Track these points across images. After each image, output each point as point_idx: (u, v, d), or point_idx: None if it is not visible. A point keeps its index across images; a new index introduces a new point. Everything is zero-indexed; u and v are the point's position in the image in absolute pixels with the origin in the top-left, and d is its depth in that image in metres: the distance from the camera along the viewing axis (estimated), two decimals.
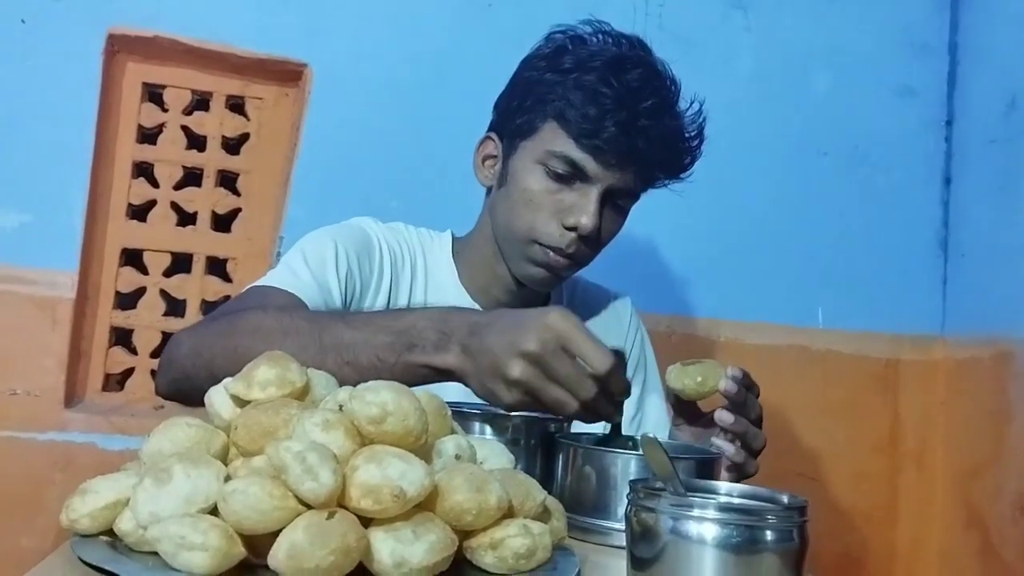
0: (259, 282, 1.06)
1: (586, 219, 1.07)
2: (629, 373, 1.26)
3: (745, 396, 0.97)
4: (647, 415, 1.25)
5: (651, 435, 0.85)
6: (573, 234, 1.08)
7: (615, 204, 1.11)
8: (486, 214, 1.19)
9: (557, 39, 1.12)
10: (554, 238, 1.09)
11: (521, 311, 0.83)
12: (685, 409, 1.06)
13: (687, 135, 1.12)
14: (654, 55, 1.13)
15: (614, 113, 1.05)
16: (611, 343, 1.23)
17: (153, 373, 1.55)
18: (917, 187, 1.84)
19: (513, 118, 1.13)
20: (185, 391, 0.95)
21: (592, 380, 0.79)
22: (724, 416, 0.96)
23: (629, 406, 1.21)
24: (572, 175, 1.08)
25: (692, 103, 1.13)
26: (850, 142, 1.81)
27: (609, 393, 0.81)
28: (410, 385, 0.75)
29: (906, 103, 1.84)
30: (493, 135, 1.18)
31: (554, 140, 1.08)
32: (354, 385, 0.74)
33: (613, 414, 0.85)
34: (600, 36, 1.12)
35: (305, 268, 1.06)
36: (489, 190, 1.19)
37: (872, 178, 1.82)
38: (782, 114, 1.78)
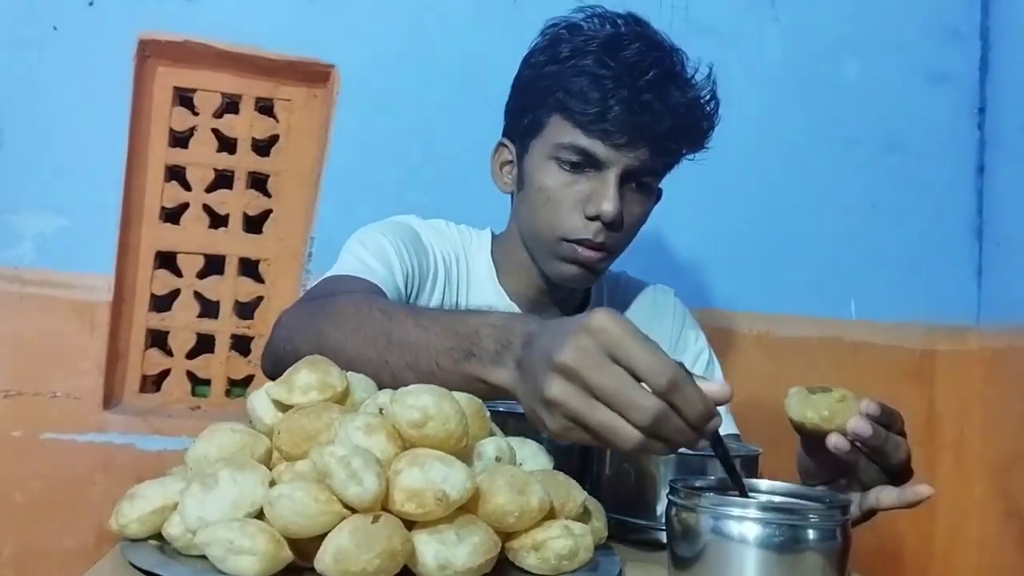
0: (334, 271, 1.05)
1: (607, 205, 1.05)
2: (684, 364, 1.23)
3: (885, 439, 0.82)
4: None
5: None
6: (597, 223, 1.06)
7: (638, 185, 1.09)
8: (513, 220, 1.19)
9: (552, 31, 1.11)
10: (579, 231, 1.07)
11: (573, 317, 0.67)
12: (807, 441, 0.90)
13: (700, 102, 1.09)
14: (652, 28, 1.09)
15: (615, 92, 1.03)
16: (665, 334, 1.22)
17: (188, 374, 1.57)
18: (950, 175, 1.82)
19: (520, 119, 1.13)
20: (281, 372, 0.95)
21: (652, 398, 0.61)
22: (840, 444, 0.82)
23: None
24: (585, 164, 1.07)
25: (699, 68, 1.10)
26: (882, 130, 1.79)
27: (682, 414, 0.62)
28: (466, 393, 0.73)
29: (938, 90, 1.82)
30: (506, 140, 1.18)
31: (561, 132, 1.07)
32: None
33: (693, 442, 0.65)
34: (595, 19, 1.10)
35: (373, 260, 1.06)
36: (513, 196, 1.19)
37: (904, 166, 1.79)
38: (812, 103, 1.76)
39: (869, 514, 0.87)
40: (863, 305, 1.76)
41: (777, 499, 0.72)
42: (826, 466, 0.88)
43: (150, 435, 1.47)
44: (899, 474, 0.86)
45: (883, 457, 0.83)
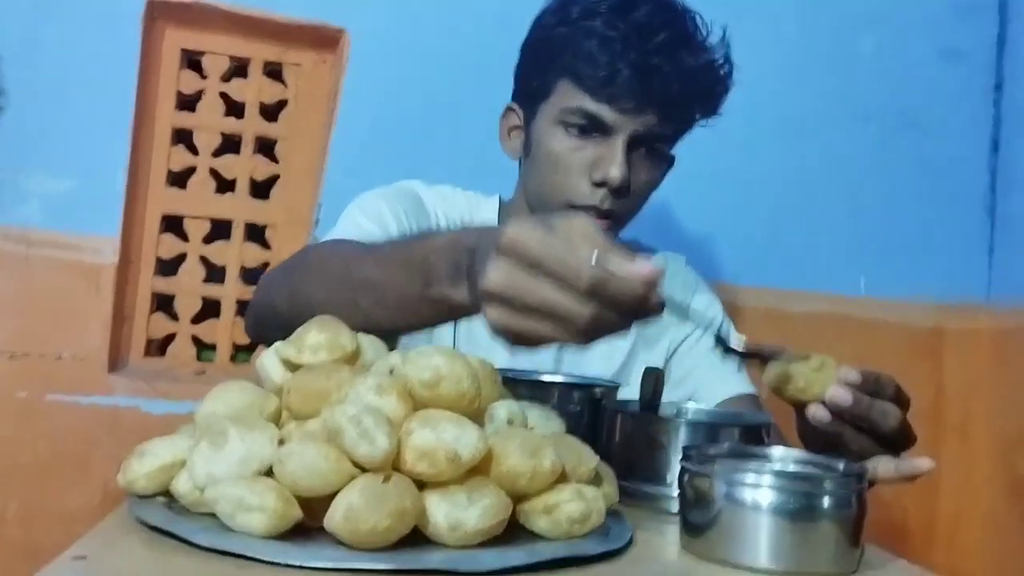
0: (328, 236, 1.05)
1: (614, 170, 1.03)
2: (695, 332, 1.22)
3: (869, 406, 0.78)
4: (709, 387, 1.16)
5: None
6: (604, 189, 1.05)
7: (647, 151, 1.07)
8: (521, 186, 1.18)
9: None
10: (586, 197, 1.05)
11: (495, 229, 0.65)
12: (797, 411, 0.86)
13: (712, 66, 1.07)
14: None
15: (624, 55, 1.01)
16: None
17: (193, 339, 1.57)
18: (964, 153, 1.79)
19: (529, 82, 1.12)
20: (264, 335, 0.94)
21: (581, 300, 0.59)
22: (818, 414, 0.79)
23: (684, 381, 1.17)
24: (592, 128, 1.05)
25: (711, 31, 1.07)
26: (896, 107, 1.76)
27: (618, 309, 0.60)
28: (447, 321, 0.75)
29: (954, 66, 1.79)
30: (514, 104, 1.17)
31: (568, 96, 1.05)
32: (390, 326, 0.76)
33: (642, 321, 0.63)
34: None
35: (370, 223, 1.05)
36: (520, 162, 1.18)
37: (918, 144, 1.77)
38: (827, 79, 1.74)
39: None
40: (873, 282, 1.74)
41: (792, 467, 0.71)
42: (812, 437, 0.84)
43: (155, 398, 1.47)
44: (895, 443, 0.82)
45: (871, 425, 0.79)
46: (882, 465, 0.81)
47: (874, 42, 1.77)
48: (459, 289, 0.69)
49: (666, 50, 1.02)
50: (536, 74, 1.10)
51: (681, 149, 1.15)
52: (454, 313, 0.72)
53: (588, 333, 0.60)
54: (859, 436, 0.81)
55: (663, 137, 1.08)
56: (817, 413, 0.78)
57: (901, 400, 0.82)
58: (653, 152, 1.08)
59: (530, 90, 1.11)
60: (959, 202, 1.79)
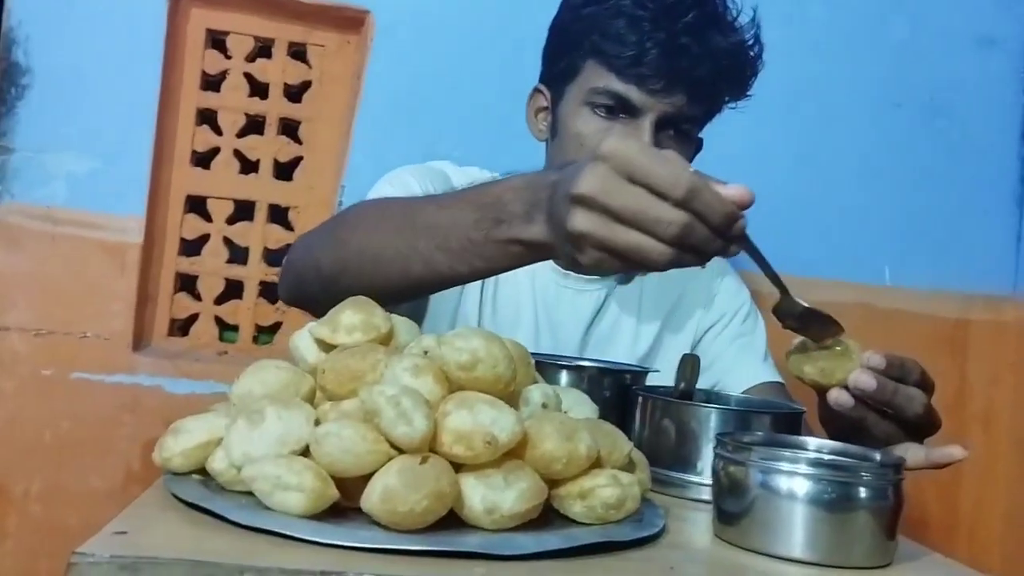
0: None
1: None
2: (720, 321, 1.22)
3: (893, 391, 0.77)
4: (734, 374, 1.16)
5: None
6: None
7: (676, 132, 1.06)
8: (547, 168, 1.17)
9: None
10: None
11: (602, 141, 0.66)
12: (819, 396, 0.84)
13: (742, 46, 1.05)
14: None
15: (652, 35, 1.00)
16: (691, 295, 1.21)
17: (217, 319, 1.57)
18: (994, 141, 1.77)
19: (556, 63, 1.11)
20: (302, 296, 0.95)
21: (674, 211, 0.61)
22: (841, 399, 0.78)
23: (710, 368, 1.16)
24: (619, 109, 1.04)
25: (741, 11, 1.06)
26: (926, 93, 1.74)
27: (706, 221, 0.62)
28: (507, 267, 0.75)
29: (985, 53, 1.77)
30: (541, 86, 1.16)
31: (595, 76, 1.05)
32: (449, 272, 0.75)
33: (723, 248, 0.65)
34: None
35: (392, 192, 1.05)
36: (547, 144, 1.17)
37: (947, 131, 1.75)
38: (856, 64, 1.71)
39: None
40: (898, 272, 1.73)
41: (827, 456, 0.71)
42: (835, 422, 0.83)
43: (178, 378, 1.48)
44: (919, 428, 0.81)
45: (896, 411, 0.78)
46: (911, 453, 0.80)
47: (906, 27, 1.74)
48: (534, 226, 0.69)
49: (695, 30, 1.01)
50: (564, 55, 1.09)
51: (705, 133, 1.13)
52: (519, 253, 0.72)
53: (675, 242, 0.61)
54: (883, 421, 0.80)
55: (691, 119, 1.07)
56: (840, 398, 0.77)
57: (926, 385, 0.81)
58: (681, 134, 1.07)
59: (557, 71, 1.11)
60: (987, 192, 1.77)
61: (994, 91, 1.77)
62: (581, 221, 0.62)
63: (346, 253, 0.83)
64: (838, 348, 0.78)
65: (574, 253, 0.65)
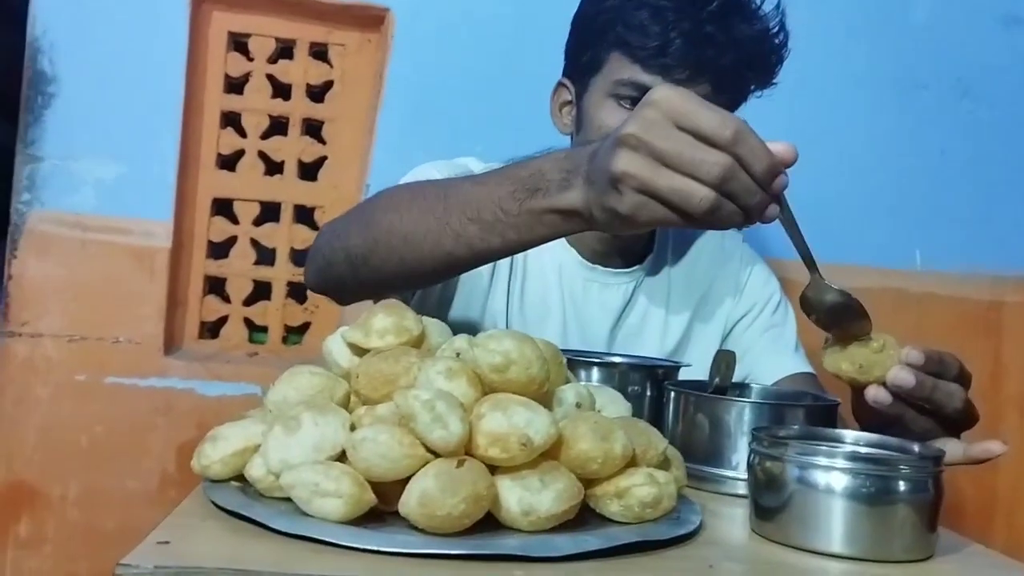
0: None
1: None
2: (751, 312, 1.22)
3: (932, 387, 0.76)
4: (765, 366, 1.15)
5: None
6: None
7: None
8: None
9: None
10: None
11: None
12: (853, 390, 0.83)
13: (767, 34, 1.04)
14: None
15: (676, 25, 1.00)
16: (720, 285, 1.20)
17: (246, 321, 1.58)
18: (1021, 120, 1.74)
19: (580, 56, 1.10)
20: (329, 280, 0.95)
21: (719, 152, 0.62)
22: (879, 396, 0.76)
23: (741, 360, 1.15)
24: None
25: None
26: (952, 74, 1.71)
27: (750, 169, 0.63)
28: (539, 239, 0.75)
29: (1011, 32, 1.74)
30: (565, 80, 1.16)
31: (620, 68, 1.04)
32: (482, 244, 0.76)
33: (763, 204, 0.66)
34: None
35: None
36: (572, 138, 1.17)
37: (974, 112, 1.72)
38: (880, 45, 1.69)
39: None
40: (929, 255, 1.70)
41: (864, 450, 0.70)
42: (870, 418, 0.82)
43: (210, 380, 1.49)
44: (956, 423, 0.80)
45: (935, 407, 0.77)
46: (949, 448, 0.78)
47: (928, 7, 1.72)
48: (571, 192, 0.70)
49: (719, 18, 1.00)
50: (587, 48, 1.09)
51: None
52: (553, 222, 0.73)
53: (717, 184, 0.62)
54: (920, 417, 0.78)
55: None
56: (879, 396, 0.76)
57: (964, 379, 0.79)
58: None
59: (581, 64, 1.10)
60: (1016, 171, 1.74)
61: (1021, 70, 1.74)
62: (625, 161, 0.63)
63: (376, 232, 0.83)
64: (875, 343, 0.76)
65: (613, 201, 0.65)
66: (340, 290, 0.96)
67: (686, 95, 0.63)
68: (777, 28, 1.06)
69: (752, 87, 1.09)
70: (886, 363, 0.76)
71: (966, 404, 0.79)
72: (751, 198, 0.64)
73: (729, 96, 1.07)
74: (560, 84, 1.17)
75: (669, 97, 0.63)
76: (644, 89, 1.02)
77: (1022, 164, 1.74)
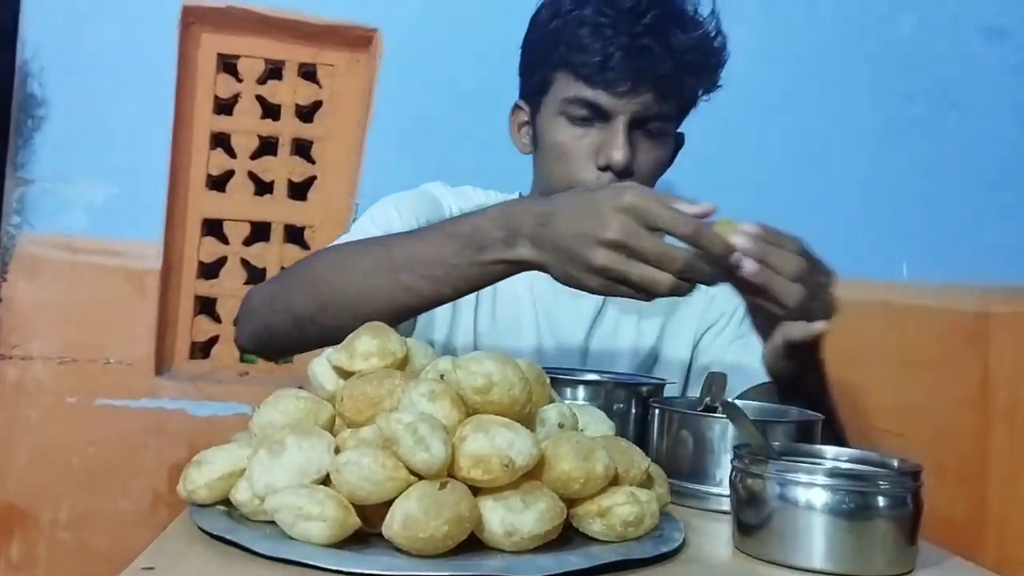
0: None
1: (616, 154, 1.05)
2: (719, 322, 1.23)
3: (767, 253, 0.81)
4: (733, 377, 1.20)
5: (719, 372, 0.90)
6: (609, 173, 1.07)
7: (649, 131, 1.09)
8: (534, 180, 1.19)
9: None
10: (592, 183, 1.06)
11: (586, 193, 0.80)
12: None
13: (705, 39, 1.08)
14: None
15: (615, 39, 1.04)
16: (699, 295, 1.21)
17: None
18: (1007, 131, 1.76)
19: (530, 78, 1.14)
20: (266, 341, 0.98)
21: (681, 250, 0.75)
22: (747, 266, 0.79)
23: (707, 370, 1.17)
24: (593, 116, 1.07)
25: (701, 4, 1.09)
26: (937, 87, 1.73)
27: (708, 254, 0.76)
28: (490, 282, 0.83)
29: (996, 45, 1.76)
30: (521, 102, 1.20)
31: (566, 87, 1.08)
32: (433, 295, 0.84)
33: (719, 276, 0.78)
34: None
35: (373, 227, 1.07)
36: (533, 157, 1.19)
37: (960, 124, 1.74)
38: (865, 58, 1.71)
39: (786, 347, 0.86)
40: (916, 267, 1.72)
41: (844, 465, 0.71)
42: (758, 317, 0.89)
43: (201, 401, 1.49)
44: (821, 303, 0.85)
45: (779, 265, 0.81)
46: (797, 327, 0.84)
47: (913, 20, 1.74)
48: (518, 249, 0.80)
49: (656, 30, 1.04)
50: (536, 69, 1.13)
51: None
52: (504, 272, 0.83)
53: (681, 274, 0.75)
54: (791, 286, 0.81)
55: (664, 116, 1.10)
56: (747, 266, 0.79)
57: (813, 271, 0.84)
58: (654, 132, 1.09)
59: (532, 86, 1.14)
60: (1002, 184, 1.76)
61: (1006, 83, 1.76)
62: (605, 258, 0.75)
63: (325, 292, 0.88)
64: (718, 221, 0.80)
65: (585, 280, 0.77)
66: (279, 349, 1.03)
67: (651, 200, 0.75)
68: (715, 33, 1.10)
69: (700, 92, 1.11)
70: (727, 235, 0.80)
71: (811, 265, 0.84)
72: (701, 273, 0.76)
73: (674, 103, 1.10)
74: (516, 106, 1.21)
75: (639, 205, 0.75)
76: (590, 104, 1.06)
77: (1008, 175, 1.76)
